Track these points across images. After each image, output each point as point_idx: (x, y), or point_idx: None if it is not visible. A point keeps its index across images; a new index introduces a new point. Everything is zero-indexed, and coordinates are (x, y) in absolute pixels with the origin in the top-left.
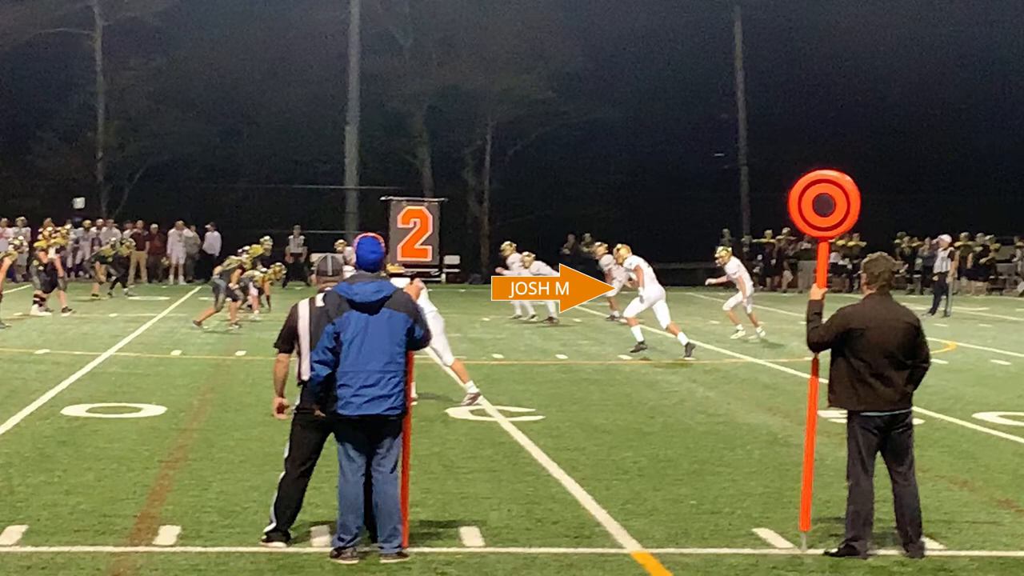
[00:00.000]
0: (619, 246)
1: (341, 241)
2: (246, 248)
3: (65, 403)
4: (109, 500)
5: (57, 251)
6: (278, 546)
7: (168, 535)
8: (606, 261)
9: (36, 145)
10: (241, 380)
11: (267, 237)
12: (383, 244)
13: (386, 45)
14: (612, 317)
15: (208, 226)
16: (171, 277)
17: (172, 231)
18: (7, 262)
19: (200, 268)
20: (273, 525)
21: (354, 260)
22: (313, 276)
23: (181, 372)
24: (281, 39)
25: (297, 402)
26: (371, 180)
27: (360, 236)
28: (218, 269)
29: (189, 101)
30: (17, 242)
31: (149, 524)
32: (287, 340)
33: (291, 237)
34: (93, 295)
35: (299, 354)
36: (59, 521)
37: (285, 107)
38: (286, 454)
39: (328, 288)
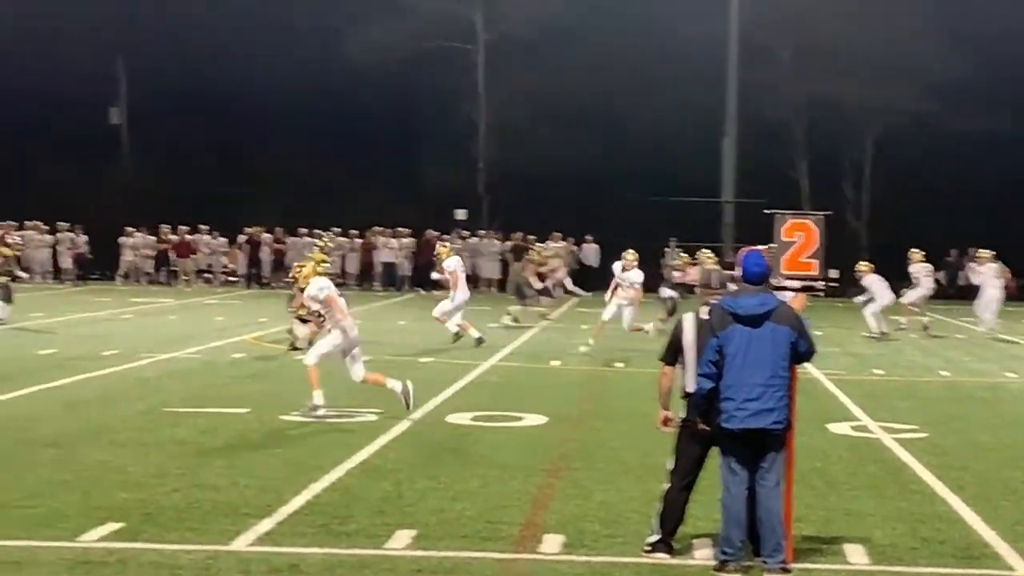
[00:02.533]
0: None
1: (707, 252)
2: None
3: (449, 411)
4: (494, 507)
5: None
6: (662, 557)
7: (552, 543)
8: (915, 269)
9: (420, 157)
10: (619, 391)
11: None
12: (767, 258)
13: (764, 56)
14: (925, 327)
15: (587, 237)
16: (547, 289)
17: (549, 243)
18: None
19: (577, 279)
20: (657, 536)
21: (734, 273)
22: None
23: (560, 382)
24: (656, 51)
25: (682, 415)
26: (747, 192)
27: (745, 250)
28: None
29: (567, 113)
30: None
31: (533, 532)
32: (672, 352)
33: (667, 250)
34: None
35: (684, 367)
36: (446, 526)
37: (661, 118)
38: (670, 466)
39: (713, 301)
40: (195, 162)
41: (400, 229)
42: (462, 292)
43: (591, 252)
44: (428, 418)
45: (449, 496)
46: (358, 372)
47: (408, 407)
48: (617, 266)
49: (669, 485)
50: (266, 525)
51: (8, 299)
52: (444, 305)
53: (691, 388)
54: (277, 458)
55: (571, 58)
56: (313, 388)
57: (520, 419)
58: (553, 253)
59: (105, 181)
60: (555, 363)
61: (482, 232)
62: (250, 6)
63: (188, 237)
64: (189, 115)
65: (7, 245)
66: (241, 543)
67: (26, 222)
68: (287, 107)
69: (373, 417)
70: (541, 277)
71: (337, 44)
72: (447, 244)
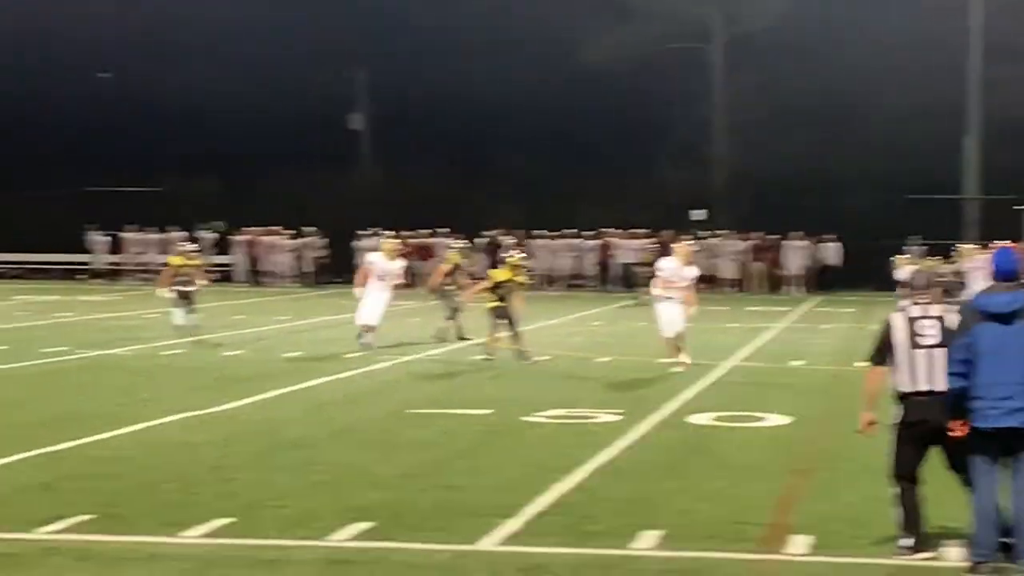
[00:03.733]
0: None
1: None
2: None
3: (691, 411)
4: (740, 508)
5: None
6: (928, 555)
7: (800, 544)
8: None
9: (658, 158)
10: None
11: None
12: (1020, 255)
13: (1007, 51)
14: None
15: (827, 236)
16: (788, 288)
17: (788, 242)
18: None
19: (819, 279)
20: (911, 539)
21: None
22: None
23: (804, 382)
24: (896, 46)
25: (896, 417)
26: (989, 190)
27: (997, 247)
28: None
29: (805, 110)
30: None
31: (780, 533)
32: (881, 352)
33: (910, 248)
34: None
35: (895, 367)
36: (693, 527)
37: (901, 114)
38: (890, 471)
39: (916, 304)
40: (435, 166)
41: (637, 230)
42: None
43: (832, 251)
44: (670, 419)
45: (694, 496)
46: None
47: None
48: (671, 262)
49: (898, 489)
50: (512, 525)
51: (186, 307)
52: None
53: (903, 388)
54: (520, 459)
55: (808, 55)
56: None
57: (762, 419)
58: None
59: (346, 186)
60: (796, 363)
61: (720, 232)
62: (486, 11)
63: (428, 241)
64: (428, 119)
65: (182, 255)
66: (488, 543)
67: (270, 227)
68: (525, 109)
69: (615, 418)
70: None
71: (573, 46)
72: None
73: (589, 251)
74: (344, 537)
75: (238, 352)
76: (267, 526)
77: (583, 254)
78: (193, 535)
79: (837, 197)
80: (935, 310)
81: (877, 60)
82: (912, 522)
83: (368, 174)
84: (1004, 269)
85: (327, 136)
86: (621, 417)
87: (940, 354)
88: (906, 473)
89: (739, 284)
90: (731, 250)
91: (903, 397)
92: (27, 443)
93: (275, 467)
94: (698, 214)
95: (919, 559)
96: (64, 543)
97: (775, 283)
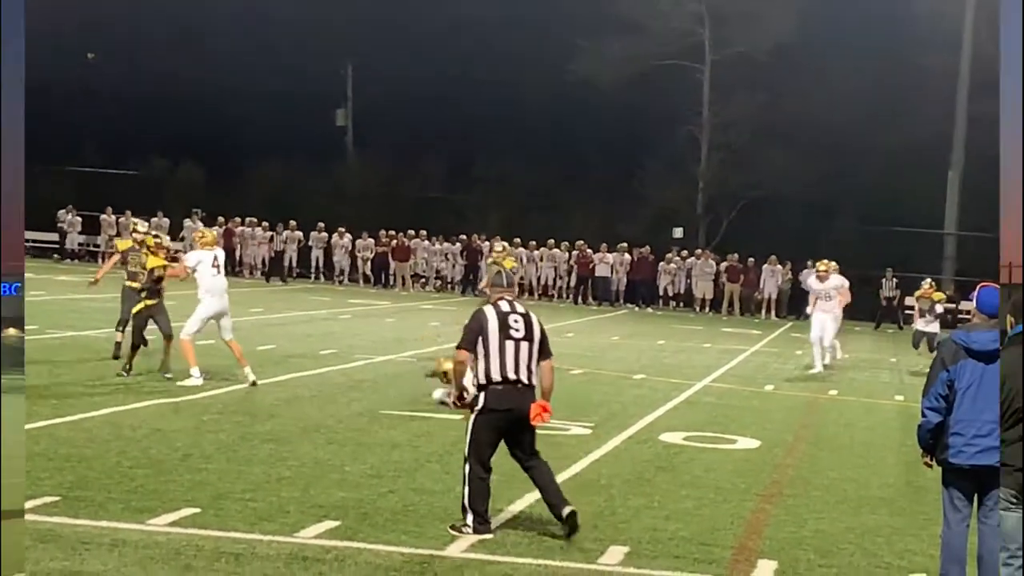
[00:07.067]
0: None
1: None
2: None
3: (662, 429)
4: (707, 529)
5: None
6: (484, 535)
7: (766, 569)
8: None
9: (642, 174)
10: (834, 419)
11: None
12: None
13: (995, 89)
14: None
15: (807, 263)
16: (763, 312)
17: (766, 266)
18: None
19: (792, 303)
20: (471, 515)
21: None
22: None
23: (775, 407)
24: (888, 80)
25: (480, 403)
26: (971, 225)
27: (981, 285)
28: None
29: (792, 137)
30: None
31: (747, 556)
32: (471, 341)
33: (883, 280)
34: None
35: (485, 356)
36: (660, 545)
37: (886, 146)
38: (466, 452)
39: (503, 299)
40: (419, 167)
41: (621, 245)
42: None
43: (810, 277)
44: (641, 435)
45: (662, 515)
46: None
47: None
48: (810, 277)
49: (470, 469)
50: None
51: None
52: None
53: (485, 378)
54: (492, 466)
55: (797, 81)
56: None
57: (734, 441)
58: None
59: (328, 182)
60: (769, 387)
61: (698, 251)
62: (481, 19)
63: (406, 241)
64: (416, 121)
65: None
66: (455, 549)
67: (247, 218)
68: (515, 117)
69: (585, 431)
70: None
71: (567, 58)
72: None
73: (565, 263)
74: (311, 534)
75: (210, 342)
76: (235, 519)
77: (558, 265)
78: (160, 523)
79: (817, 223)
80: (522, 307)
81: (860, 88)
82: (477, 500)
83: (352, 170)
84: (988, 307)
85: (312, 130)
86: (591, 430)
87: (526, 347)
88: (479, 457)
89: (714, 305)
90: (707, 270)
91: (486, 386)
92: None
93: (245, 459)
94: (677, 232)
95: (474, 534)
96: (28, 524)
97: (749, 306)
